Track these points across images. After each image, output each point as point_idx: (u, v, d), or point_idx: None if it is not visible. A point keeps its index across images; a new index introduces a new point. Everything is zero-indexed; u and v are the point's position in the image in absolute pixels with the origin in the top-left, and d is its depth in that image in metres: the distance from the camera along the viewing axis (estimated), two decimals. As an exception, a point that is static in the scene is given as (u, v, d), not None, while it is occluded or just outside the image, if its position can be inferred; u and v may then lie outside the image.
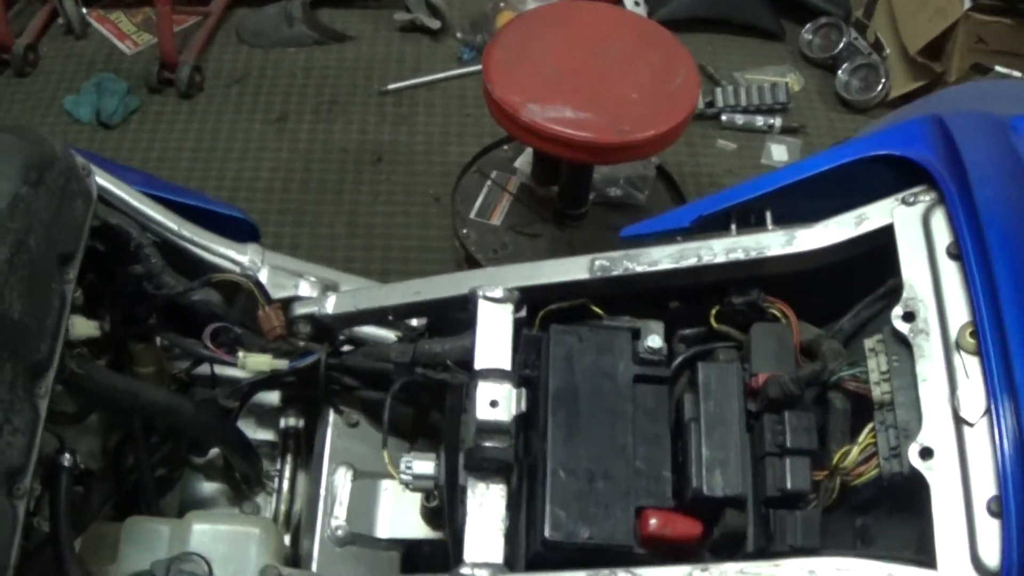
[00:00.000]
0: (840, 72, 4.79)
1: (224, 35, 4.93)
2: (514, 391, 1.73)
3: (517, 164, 4.06)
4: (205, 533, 1.98)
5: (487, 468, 1.74)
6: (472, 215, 3.83)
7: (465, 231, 3.78)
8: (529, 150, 3.94)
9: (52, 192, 1.85)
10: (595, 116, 3.20)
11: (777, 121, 4.60)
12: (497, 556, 1.68)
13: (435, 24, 4.81)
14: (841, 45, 4.85)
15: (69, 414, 2.05)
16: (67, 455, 1.88)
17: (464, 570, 1.66)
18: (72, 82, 4.69)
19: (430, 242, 4.11)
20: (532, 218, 3.85)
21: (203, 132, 4.52)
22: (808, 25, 4.94)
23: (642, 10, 4.74)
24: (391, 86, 4.67)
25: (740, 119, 4.60)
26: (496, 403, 1.71)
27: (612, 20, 3.55)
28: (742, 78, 4.71)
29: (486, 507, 1.73)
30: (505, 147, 4.09)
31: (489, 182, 4.02)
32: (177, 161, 4.37)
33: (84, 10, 4.94)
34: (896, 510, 1.65)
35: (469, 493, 1.74)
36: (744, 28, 4.83)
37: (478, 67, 4.06)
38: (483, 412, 1.71)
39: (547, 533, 1.67)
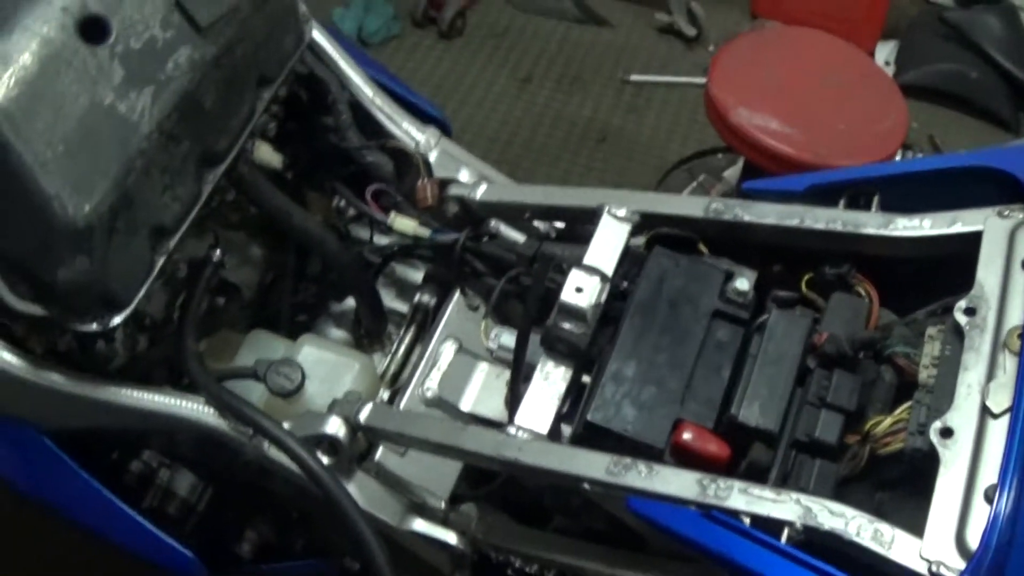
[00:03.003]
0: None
1: (496, -8, 5.20)
2: (600, 284, 1.91)
3: (726, 174, 4.21)
4: (312, 354, 2.23)
5: (560, 350, 1.92)
6: (668, 209, 3.98)
7: (656, 221, 3.93)
8: (740, 163, 4.07)
9: (269, 19, 2.11)
10: (798, 133, 3.33)
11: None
12: (543, 428, 1.86)
13: (691, 31, 4.98)
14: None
15: (232, 221, 2.31)
16: (217, 251, 2.14)
17: (510, 429, 1.86)
18: (345, -3, 5.03)
19: (624, 224, 4.26)
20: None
21: (451, 72, 4.80)
22: (1043, 128, 4.93)
23: (890, 71, 4.82)
24: (634, 77, 4.86)
25: (954, 196, 4.61)
26: (581, 290, 1.90)
27: (843, 55, 3.67)
28: (964, 155, 4.74)
29: (549, 382, 1.91)
30: (720, 155, 4.25)
31: (695, 183, 4.19)
32: (419, 92, 4.62)
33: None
34: (915, 493, 1.73)
35: (538, 367, 1.93)
36: (981, 111, 4.84)
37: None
38: (568, 295, 1.90)
39: (589, 415, 1.83)
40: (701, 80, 4.54)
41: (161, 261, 1.96)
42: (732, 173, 4.16)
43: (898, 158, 4.00)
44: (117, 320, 1.91)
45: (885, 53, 5.02)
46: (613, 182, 4.40)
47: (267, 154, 2.25)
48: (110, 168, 1.82)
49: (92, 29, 1.86)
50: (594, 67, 4.91)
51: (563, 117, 4.68)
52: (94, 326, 1.92)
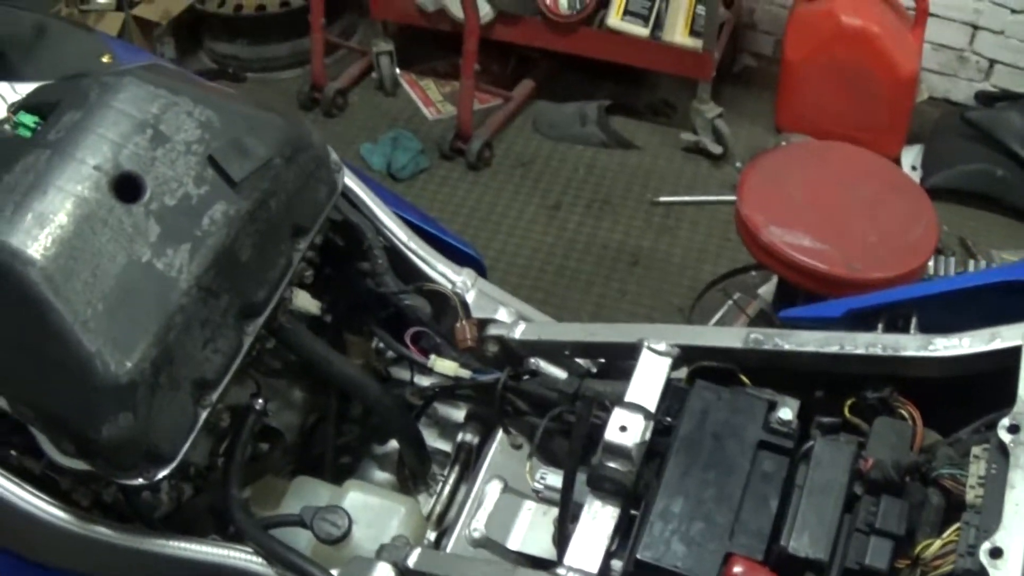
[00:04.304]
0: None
1: (521, 121, 5.26)
2: (644, 422, 1.90)
3: (761, 291, 4.21)
4: (358, 499, 2.24)
5: (606, 489, 1.91)
6: (704, 332, 3.98)
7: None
8: (774, 279, 4.08)
9: (301, 171, 2.14)
10: (831, 249, 3.34)
11: None
12: (593, 567, 1.85)
13: (717, 149, 5.01)
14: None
15: (273, 368, 2.33)
16: (260, 400, 2.16)
17: (560, 570, 1.84)
18: (372, 132, 5.11)
19: (662, 346, 4.26)
20: (760, 344, 3.97)
21: (481, 203, 4.85)
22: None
23: (917, 175, 4.83)
24: (663, 198, 4.89)
25: (989, 297, 4.59)
26: (625, 428, 1.90)
27: (868, 165, 3.69)
28: (998, 256, 4.71)
29: (597, 521, 1.90)
30: (753, 273, 4.25)
31: (730, 302, 4.19)
32: (451, 223, 4.67)
33: (398, 71, 5.38)
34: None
35: (585, 507, 1.92)
36: (1012, 210, 4.82)
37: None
38: (612, 434, 1.90)
39: (639, 553, 1.82)
40: (730, 198, 4.59)
41: (204, 414, 1.98)
42: (767, 290, 4.17)
43: (931, 264, 4.01)
44: (163, 474, 1.93)
45: (911, 158, 5.04)
46: (648, 305, 4.42)
47: (305, 301, 2.27)
48: (150, 325, 1.86)
49: (126, 187, 1.91)
50: (622, 190, 4.94)
51: (595, 242, 4.70)
52: (139, 480, 1.94)
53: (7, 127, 2.02)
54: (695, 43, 4.81)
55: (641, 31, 4.89)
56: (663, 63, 5.01)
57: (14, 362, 1.86)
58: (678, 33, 4.86)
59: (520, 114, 5.28)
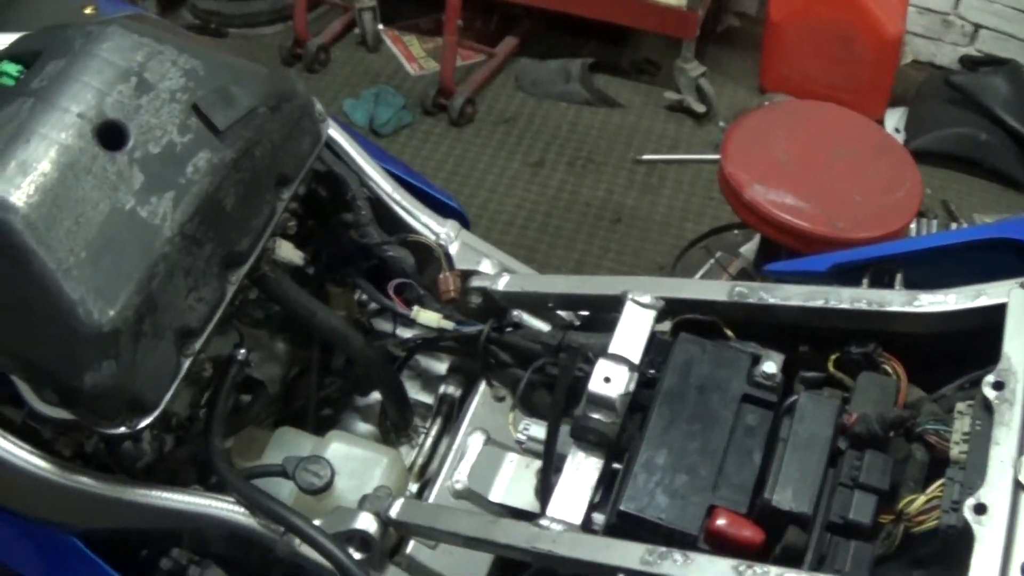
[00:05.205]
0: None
1: (504, 78, 5.25)
2: (628, 373, 1.90)
3: (743, 249, 4.20)
4: (340, 450, 2.23)
5: (590, 440, 1.92)
6: (686, 286, 3.98)
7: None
8: (757, 238, 4.08)
9: (286, 121, 2.13)
10: (814, 208, 3.34)
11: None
12: (576, 518, 1.85)
13: (701, 108, 5.00)
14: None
15: (256, 318, 2.32)
16: (242, 351, 2.15)
17: (543, 521, 1.84)
18: (355, 88, 5.10)
19: (643, 304, 4.27)
20: (741, 303, 3.97)
21: (463, 159, 4.84)
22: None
23: (900, 138, 4.83)
24: (646, 156, 4.88)
25: (970, 259, 4.60)
26: (609, 380, 1.90)
27: (853, 126, 3.69)
28: (980, 220, 4.73)
29: (581, 473, 1.90)
30: (736, 232, 4.25)
31: (712, 261, 4.19)
32: (433, 179, 4.59)
33: (381, 27, 5.37)
34: (951, 570, 1.72)
35: (569, 458, 1.92)
36: (994, 174, 4.85)
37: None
38: (596, 385, 1.90)
39: (622, 504, 1.82)
40: (713, 156, 4.57)
41: (187, 363, 1.97)
42: (749, 249, 4.16)
43: (913, 226, 4.01)
44: (145, 423, 1.92)
45: (894, 120, 5.06)
46: (630, 262, 4.42)
47: (288, 252, 2.26)
48: (133, 273, 1.84)
49: (110, 135, 1.89)
50: (606, 148, 4.93)
51: (577, 199, 4.70)
52: (122, 429, 1.93)
53: (-10, 76, 2.00)
54: (679, 1, 4.78)
55: (626, -11, 4.86)
56: (647, 21, 4.97)
57: (-5, 310, 1.85)
58: (663, -9, 4.83)
59: (503, 71, 5.26)
